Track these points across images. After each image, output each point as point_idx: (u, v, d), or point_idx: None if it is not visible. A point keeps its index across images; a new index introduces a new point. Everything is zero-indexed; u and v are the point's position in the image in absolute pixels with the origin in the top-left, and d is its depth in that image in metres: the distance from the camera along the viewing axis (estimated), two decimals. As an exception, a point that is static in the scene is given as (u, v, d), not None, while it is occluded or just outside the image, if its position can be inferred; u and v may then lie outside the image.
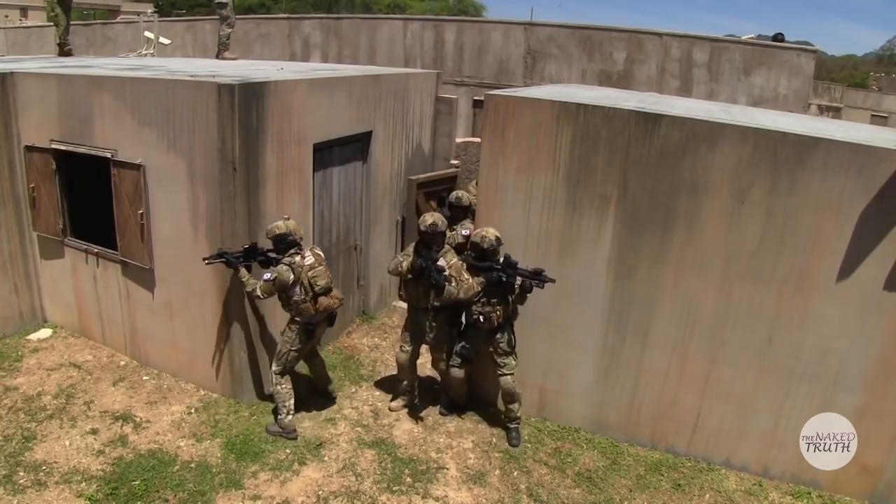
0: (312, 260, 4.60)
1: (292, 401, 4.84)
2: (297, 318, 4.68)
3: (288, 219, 4.67)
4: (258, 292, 4.59)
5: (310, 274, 4.54)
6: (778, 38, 11.19)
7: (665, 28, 11.77)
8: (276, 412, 4.91)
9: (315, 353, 5.17)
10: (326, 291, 4.63)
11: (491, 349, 4.90)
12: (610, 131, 4.58)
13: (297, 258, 4.55)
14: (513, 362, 4.91)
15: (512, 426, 5.06)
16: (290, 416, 4.84)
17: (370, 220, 6.69)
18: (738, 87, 10.97)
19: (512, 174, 4.91)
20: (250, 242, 4.73)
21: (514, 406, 5.00)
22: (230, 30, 8.23)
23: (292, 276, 4.51)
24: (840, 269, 4.24)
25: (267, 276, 4.58)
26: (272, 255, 4.68)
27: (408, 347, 5.12)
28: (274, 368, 4.82)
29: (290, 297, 4.59)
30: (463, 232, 5.56)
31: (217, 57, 8.44)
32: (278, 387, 4.80)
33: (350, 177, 6.31)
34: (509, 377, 4.91)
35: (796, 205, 4.25)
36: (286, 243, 4.58)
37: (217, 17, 8.47)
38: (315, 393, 5.33)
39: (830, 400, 4.49)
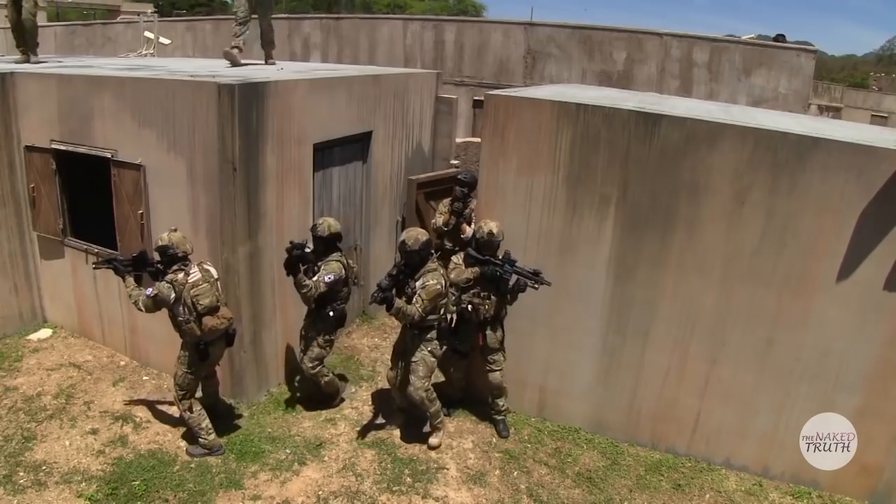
0: (198, 276, 4.28)
1: (207, 420, 4.60)
2: (186, 339, 4.44)
3: (175, 230, 4.40)
4: (140, 305, 4.32)
5: (192, 292, 4.22)
6: (779, 39, 11.17)
7: (665, 28, 11.77)
8: (193, 437, 4.64)
9: (211, 374, 4.83)
10: (211, 311, 4.28)
11: (481, 345, 4.92)
12: (610, 132, 4.58)
13: (180, 275, 4.26)
14: (502, 358, 4.96)
15: (499, 418, 5.14)
16: (211, 435, 4.61)
17: (370, 221, 6.68)
18: (738, 87, 10.98)
19: (512, 174, 4.91)
20: (139, 251, 4.58)
21: (501, 400, 5.09)
22: (236, 27, 6.92)
23: (173, 295, 4.24)
24: (840, 269, 4.24)
25: (148, 291, 4.30)
26: (160, 267, 4.45)
27: (393, 366, 4.90)
28: (176, 394, 4.55)
29: (176, 317, 4.34)
30: (326, 278, 4.65)
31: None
32: (187, 413, 4.54)
33: (350, 177, 6.31)
34: (498, 373, 4.96)
35: (796, 205, 4.25)
36: (168, 256, 4.31)
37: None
38: (211, 415, 4.76)
39: (830, 400, 4.49)
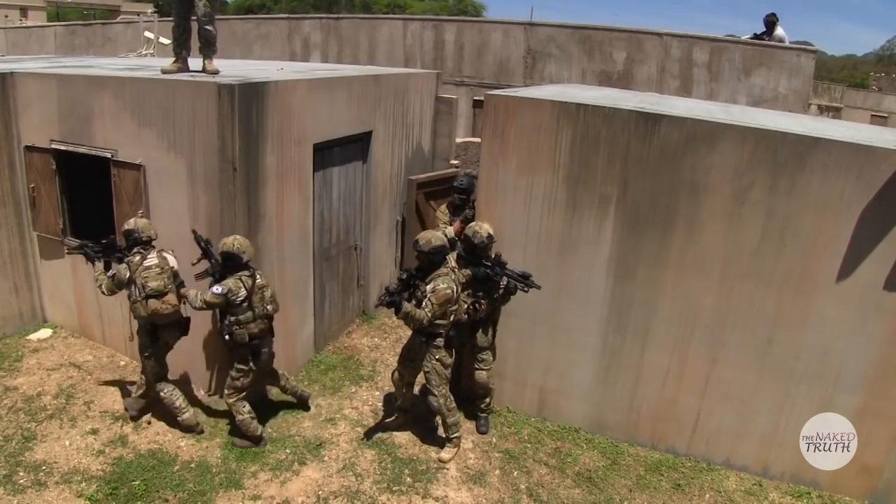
0: (154, 262, 4.49)
1: (181, 399, 4.82)
2: (136, 319, 4.64)
3: (141, 216, 4.73)
4: (103, 288, 4.58)
5: (143, 275, 4.43)
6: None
7: (665, 28, 11.77)
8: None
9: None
10: (157, 295, 4.43)
11: (471, 344, 4.93)
12: (610, 131, 4.58)
13: (137, 258, 4.49)
14: (490, 358, 4.97)
15: (482, 416, 5.17)
16: (187, 413, 4.83)
17: (370, 221, 6.68)
18: (738, 87, 10.96)
19: (512, 174, 4.91)
20: (109, 237, 4.75)
21: (487, 399, 5.12)
22: (174, 46, 5.71)
23: (128, 275, 4.47)
24: (840, 269, 4.24)
25: (109, 272, 4.59)
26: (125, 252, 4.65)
27: (400, 368, 4.83)
28: (147, 379, 4.80)
29: (129, 296, 4.55)
30: (215, 289, 4.40)
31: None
32: (161, 393, 4.78)
33: (350, 177, 6.31)
34: (485, 372, 4.97)
35: (796, 205, 4.25)
36: (132, 240, 4.55)
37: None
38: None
39: (830, 400, 4.49)
